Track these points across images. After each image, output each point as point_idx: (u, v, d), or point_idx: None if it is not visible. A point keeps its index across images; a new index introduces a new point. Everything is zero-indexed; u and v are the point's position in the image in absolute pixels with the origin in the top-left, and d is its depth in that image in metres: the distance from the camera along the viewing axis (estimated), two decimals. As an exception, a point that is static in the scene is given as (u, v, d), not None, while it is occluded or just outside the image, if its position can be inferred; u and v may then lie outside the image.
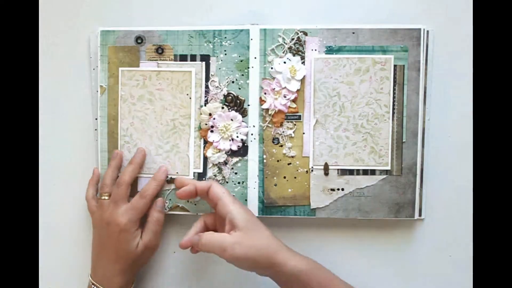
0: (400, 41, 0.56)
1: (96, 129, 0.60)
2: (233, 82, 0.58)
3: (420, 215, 0.58)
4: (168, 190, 0.59)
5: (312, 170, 0.57)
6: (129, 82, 0.59)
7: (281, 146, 0.57)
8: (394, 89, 0.56)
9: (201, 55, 0.58)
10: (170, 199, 0.59)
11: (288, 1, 0.59)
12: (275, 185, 0.58)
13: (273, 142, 0.57)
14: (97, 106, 0.60)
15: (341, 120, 0.57)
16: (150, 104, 0.59)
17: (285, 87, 0.56)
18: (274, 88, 0.57)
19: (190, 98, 0.58)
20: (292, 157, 0.57)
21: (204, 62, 0.58)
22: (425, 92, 0.57)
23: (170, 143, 0.58)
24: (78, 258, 0.63)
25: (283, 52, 0.57)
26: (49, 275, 0.63)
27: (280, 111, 0.57)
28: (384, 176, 0.57)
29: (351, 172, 0.57)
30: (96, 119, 0.60)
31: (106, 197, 0.56)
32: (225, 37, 0.57)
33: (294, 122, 0.57)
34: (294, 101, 0.57)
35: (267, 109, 0.57)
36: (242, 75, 0.58)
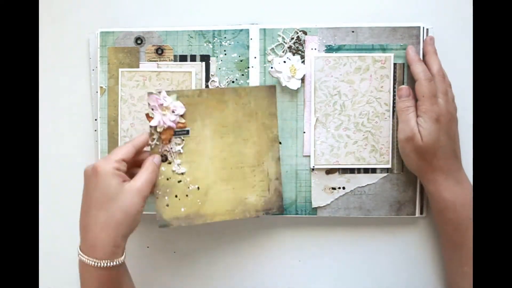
0: (399, 39, 0.56)
1: (96, 130, 0.60)
2: (233, 82, 0.58)
3: (421, 213, 0.58)
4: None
5: (313, 169, 0.57)
6: (129, 83, 0.59)
7: (170, 163, 0.54)
8: (394, 87, 0.56)
9: (201, 55, 0.58)
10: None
11: (287, 0, 0.59)
12: (167, 205, 0.54)
13: (162, 160, 0.54)
14: (97, 107, 0.59)
15: (342, 119, 0.57)
16: (150, 105, 0.58)
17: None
18: (162, 104, 0.52)
19: (191, 98, 0.58)
20: (182, 173, 0.54)
21: (204, 62, 0.58)
22: (425, 90, 0.57)
23: (171, 144, 0.58)
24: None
25: (283, 52, 0.57)
26: (49, 275, 0.63)
27: (169, 128, 0.53)
28: (385, 174, 0.57)
29: (352, 170, 0.57)
30: (96, 120, 0.60)
31: None
32: (225, 37, 0.57)
33: (183, 138, 0.54)
34: (182, 116, 0.54)
35: (155, 127, 0.53)
36: (242, 75, 0.58)
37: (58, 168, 0.62)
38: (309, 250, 0.60)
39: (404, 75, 0.56)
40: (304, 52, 0.57)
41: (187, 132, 0.54)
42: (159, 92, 0.53)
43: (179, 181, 0.55)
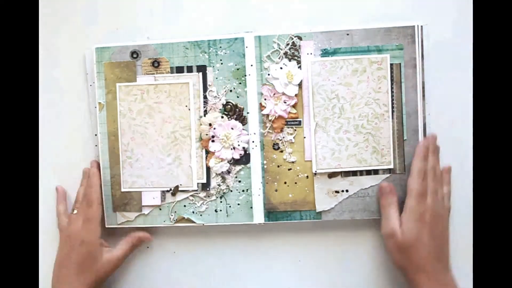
0: (395, 39, 0.56)
1: (96, 145, 0.60)
2: (231, 91, 0.58)
3: (426, 211, 0.58)
4: (173, 202, 0.59)
5: (315, 174, 0.57)
6: (127, 97, 0.59)
7: (282, 151, 0.58)
8: (392, 88, 0.56)
9: (197, 66, 0.58)
10: (175, 212, 0.59)
11: (280, 6, 0.59)
12: (276, 190, 0.58)
13: (274, 148, 0.57)
14: (96, 122, 0.59)
15: (342, 122, 0.57)
16: (149, 118, 0.58)
17: (283, 93, 0.57)
18: (274, 94, 0.57)
19: (189, 109, 0.58)
20: (293, 162, 0.58)
21: (200, 73, 0.58)
22: (423, 88, 0.57)
23: (172, 156, 0.58)
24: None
25: (279, 58, 0.57)
26: (49, 275, 0.63)
27: (280, 117, 0.57)
28: (388, 175, 0.57)
29: (354, 173, 0.57)
30: (96, 135, 0.60)
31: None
32: (220, 47, 0.57)
33: (295, 128, 0.57)
34: (294, 106, 0.57)
35: (267, 115, 0.57)
36: (240, 83, 0.58)
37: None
38: (315, 253, 0.60)
39: (401, 75, 0.56)
40: (300, 58, 0.57)
41: (299, 122, 0.56)
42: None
43: (289, 169, 0.57)
